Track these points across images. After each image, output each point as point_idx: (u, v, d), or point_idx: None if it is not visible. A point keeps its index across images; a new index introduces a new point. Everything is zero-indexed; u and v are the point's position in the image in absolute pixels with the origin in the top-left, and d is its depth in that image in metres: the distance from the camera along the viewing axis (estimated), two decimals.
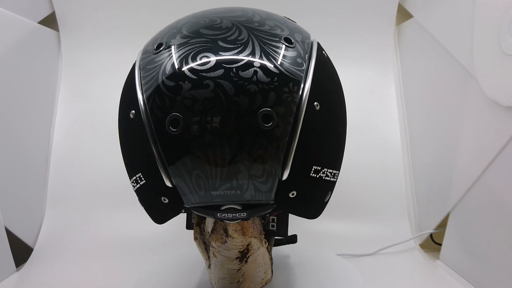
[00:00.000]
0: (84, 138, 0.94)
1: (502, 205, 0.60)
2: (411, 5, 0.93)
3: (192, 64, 0.41)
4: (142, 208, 0.88)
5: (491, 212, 0.63)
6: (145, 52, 0.46)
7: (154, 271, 0.64)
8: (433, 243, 0.84)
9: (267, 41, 0.43)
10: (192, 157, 0.40)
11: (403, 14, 0.98)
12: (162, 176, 0.42)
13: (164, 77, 0.41)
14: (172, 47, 0.43)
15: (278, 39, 0.44)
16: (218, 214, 0.44)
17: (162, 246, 0.81)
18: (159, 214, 0.47)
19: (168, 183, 0.42)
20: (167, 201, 0.44)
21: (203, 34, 0.43)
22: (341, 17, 0.98)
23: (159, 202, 0.44)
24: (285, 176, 0.42)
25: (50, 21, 0.95)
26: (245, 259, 0.53)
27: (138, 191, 0.47)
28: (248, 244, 0.52)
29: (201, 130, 0.39)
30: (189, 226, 0.60)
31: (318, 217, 0.88)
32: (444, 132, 0.78)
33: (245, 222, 0.50)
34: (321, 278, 0.60)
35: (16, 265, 0.75)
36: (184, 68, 0.41)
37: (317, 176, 0.45)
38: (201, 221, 0.56)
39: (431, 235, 0.83)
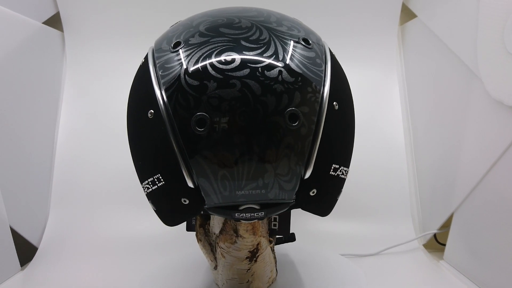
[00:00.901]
0: (88, 137, 0.94)
1: (506, 205, 0.60)
2: (415, 5, 0.93)
3: (216, 63, 0.40)
4: (146, 209, 0.89)
5: (495, 212, 0.63)
6: (159, 51, 0.45)
7: (158, 271, 0.65)
8: (437, 244, 0.84)
9: (287, 42, 0.44)
10: (219, 157, 0.40)
11: (407, 14, 0.97)
12: (184, 177, 0.41)
13: (186, 76, 0.40)
14: (192, 45, 0.42)
15: (297, 39, 0.45)
16: (236, 214, 0.44)
17: (166, 246, 0.81)
18: (176, 216, 0.46)
19: (190, 184, 0.41)
20: (187, 202, 0.43)
21: (224, 33, 0.43)
22: (344, 17, 0.98)
23: (178, 203, 0.43)
24: (307, 175, 0.43)
25: (54, 22, 0.95)
26: (254, 258, 0.53)
27: (153, 193, 0.45)
28: (258, 244, 0.52)
29: (229, 130, 0.39)
30: (189, 228, 0.60)
31: (321, 217, 0.89)
32: (448, 132, 0.78)
33: (257, 221, 0.50)
34: (324, 278, 0.60)
35: (20, 264, 0.76)
36: (208, 67, 0.40)
37: (335, 174, 0.46)
38: (205, 223, 0.56)
39: (434, 235, 0.83)
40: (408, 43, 0.98)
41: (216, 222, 0.54)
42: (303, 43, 0.45)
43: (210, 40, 0.42)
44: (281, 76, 0.41)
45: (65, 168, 0.91)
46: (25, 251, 0.80)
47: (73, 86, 0.97)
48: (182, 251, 0.72)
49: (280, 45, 0.43)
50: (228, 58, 0.40)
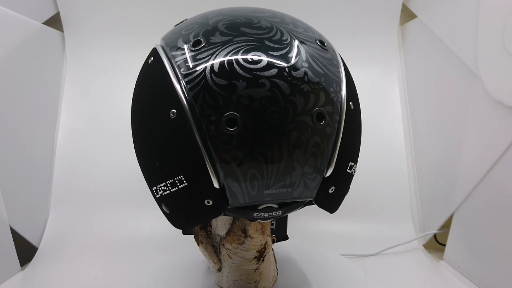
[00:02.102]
0: (88, 137, 0.94)
1: (507, 206, 0.60)
2: (415, 5, 0.93)
3: (243, 63, 0.40)
4: (146, 209, 0.89)
5: (495, 213, 0.63)
6: (175, 49, 0.44)
7: (158, 271, 0.65)
8: (437, 244, 0.84)
9: (307, 43, 0.44)
10: (250, 156, 0.40)
11: (407, 14, 0.98)
12: (211, 178, 0.40)
13: (213, 75, 0.40)
14: (215, 44, 0.42)
15: (314, 40, 0.46)
16: (255, 214, 0.44)
17: (166, 246, 0.81)
18: (192, 219, 0.45)
19: (216, 185, 0.40)
20: (211, 203, 0.42)
21: (246, 32, 0.43)
22: (344, 17, 0.98)
23: (200, 205, 0.42)
24: (329, 173, 0.44)
25: (54, 22, 0.95)
26: (262, 258, 0.53)
27: (171, 195, 0.43)
28: (266, 243, 0.53)
29: (260, 129, 0.39)
30: (185, 231, 0.59)
31: (322, 217, 0.89)
32: (448, 132, 0.78)
33: (266, 221, 0.51)
34: (325, 278, 0.60)
35: (20, 264, 0.76)
36: (236, 66, 0.40)
37: (350, 171, 0.47)
38: (206, 225, 0.56)
39: (435, 236, 0.83)
40: (408, 43, 0.98)
41: (221, 224, 0.53)
42: (320, 44, 0.46)
43: (234, 39, 0.42)
44: (307, 76, 0.42)
45: (65, 168, 0.91)
46: (25, 251, 0.80)
47: (73, 86, 0.97)
48: (182, 251, 0.72)
49: (301, 46, 0.43)
50: (255, 57, 0.40)
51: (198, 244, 0.55)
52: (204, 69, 0.40)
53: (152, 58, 0.46)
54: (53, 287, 0.69)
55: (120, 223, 0.88)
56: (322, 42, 0.46)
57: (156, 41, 0.51)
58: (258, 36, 0.42)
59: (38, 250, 0.81)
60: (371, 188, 0.91)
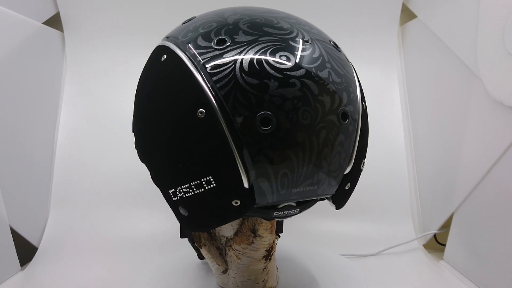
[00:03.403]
0: (88, 138, 0.94)
1: (507, 206, 0.60)
2: (415, 5, 0.93)
3: (273, 62, 0.40)
4: (146, 209, 0.88)
5: (495, 213, 0.63)
6: (195, 47, 0.42)
7: (158, 271, 0.65)
8: (437, 244, 0.84)
9: (325, 44, 0.45)
10: (283, 155, 0.40)
11: (407, 14, 0.98)
12: (241, 178, 0.40)
13: (243, 74, 0.39)
14: (241, 43, 0.41)
15: (329, 42, 0.47)
16: (275, 213, 0.44)
17: (166, 246, 0.81)
18: (214, 220, 0.44)
19: (246, 185, 0.40)
20: (238, 203, 0.41)
21: (270, 32, 0.43)
22: (344, 17, 0.98)
23: (227, 206, 0.41)
24: (348, 170, 0.46)
25: (54, 22, 0.95)
26: (269, 256, 0.54)
27: (195, 197, 0.42)
28: (273, 241, 0.53)
29: (293, 128, 0.40)
30: (183, 234, 0.59)
31: (321, 217, 0.89)
32: (448, 132, 0.78)
33: (274, 220, 0.51)
34: (324, 278, 0.60)
35: (20, 264, 0.76)
36: (266, 66, 0.40)
37: (362, 168, 0.49)
38: None
39: (434, 236, 0.83)
40: (408, 43, 0.98)
41: (228, 225, 0.53)
42: (334, 45, 0.47)
43: (259, 39, 0.42)
44: (331, 77, 0.43)
45: (65, 168, 0.91)
46: (25, 251, 0.80)
47: (73, 86, 0.97)
48: (182, 251, 0.72)
49: (322, 47, 0.44)
50: (283, 57, 0.41)
51: (200, 247, 0.54)
52: (234, 68, 0.40)
53: (165, 56, 0.44)
54: (53, 287, 0.69)
55: (120, 223, 0.88)
56: (335, 44, 0.47)
57: (156, 41, 0.51)
58: (282, 37, 0.43)
59: (38, 250, 0.81)
60: (371, 188, 0.91)
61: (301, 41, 0.43)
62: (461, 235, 0.73)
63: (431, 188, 0.86)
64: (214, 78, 0.40)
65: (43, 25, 0.91)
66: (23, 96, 0.83)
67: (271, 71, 0.40)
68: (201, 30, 0.44)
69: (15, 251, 0.74)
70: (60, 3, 0.95)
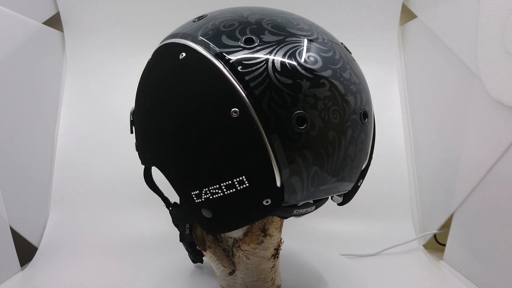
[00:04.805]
0: (88, 138, 0.94)
1: (507, 206, 0.60)
2: (415, 5, 0.93)
3: (303, 63, 0.41)
4: (146, 209, 0.88)
5: (495, 213, 0.63)
6: (223, 46, 0.41)
7: (158, 271, 0.65)
8: (436, 244, 0.84)
9: (339, 45, 0.46)
10: (316, 153, 0.41)
11: (407, 14, 0.98)
12: (275, 177, 0.40)
13: (276, 74, 0.40)
14: (269, 43, 0.41)
15: (341, 44, 0.48)
16: (295, 210, 0.45)
17: (166, 246, 0.81)
18: (243, 221, 0.44)
19: (278, 184, 0.40)
20: (269, 202, 0.41)
21: (295, 33, 0.43)
22: (345, 17, 0.98)
23: (257, 205, 0.41)
24: (363, 167, 0.48)
25: (54, 22, 0.95)
26: (277, 255, 0.54)
27: (225, 198, 0.41)
28: (280, 239, 0.54)
29: (325, 127, 0.41)
30: (182, 238, 0.58)
31: (322, 217, 0.89)
32: (448, 132, 0.78)
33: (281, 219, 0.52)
34: (325, 278, 0.60)
35: (20, 264, 0.76)
36: (297, 66, 0.40)
37: (370, 165, 0.50)
38: None
39: (434, 236, 0.83)
40: (408, 43, 0.98)
41: None
42: (345, 47, 0.48)
43: (286, 40, 0.42)
44: (352, 77, 0.44)
45: (65, 169, 0.91)
46: (25, 251, 0.80)
47: (73, 86, 0.97)
48: (182, 251, 0.72)
49: (339, 48, 0.45)
50: (312, 58, 0.41)
51: (205, 250, 0.54)
52: (266, 68, 0.40)
53: (184, 54, 0.43)
54: (53, 287, 0.69)
55: (120, 223, 0.88)
56: (345, 46, 0.48)
57: (156, 40, 0.51)
58: (307, 38, 0.43)
59: (38, 250, 0.81)
60: (371, 188, 0.91)
61: (322, 42, 0.44)
62: (461, 235, 0.73)
63: (431, 188, 0.86)
64: (246, 78, 0.39)
65: (43, 25, 0.91)
66: (23, 96, 0.83)
67: (303, 71, 0.40)
68: (222, 29, 0.43)
69: (15, 251, 0.74)
70: (60, 3, 0.95)
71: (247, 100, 0.39)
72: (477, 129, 0.68)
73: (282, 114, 0.39)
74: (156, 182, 0.59)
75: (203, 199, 0.43)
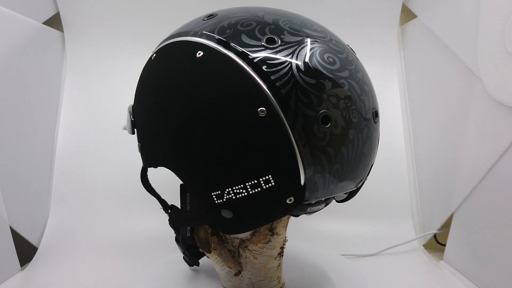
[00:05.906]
0: (88, 137, 0.94)
1: (507, 206, 0.60)
2: (415, 5, 0.93)
3: (323, 63, 0.42)
4: (146, 209, 0.88)
5: (495, 213, 0.63)
6: (244, 45, 0.41)
7: (158, 272, 0.65)
8: (437, 244, 0.84)
9: (348, 47, 0.48)
10: (339, 151, 0.42)
11: (407, 14, 0.98)
12: (300, 175, 0.40)
13: (301, 74, 0.40)
14: (290, 43, 0.42)
15: (347, 45, 0.49)
16: (309, 208, 0.45)
17: (166, 246, 0.81)
18: (264, 220, 0.44)
19: (302, 182, 0.41)
20: (292, 201, 0.41)
21: (311, 34, 0.44)
22: (344, 17, 0.98)
23: (280, 204, 0.42)
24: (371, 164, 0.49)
25: (54, 22, 0.95)
26: (282, 253, 0.55)
27: (249, 197, 0.41)
28: (285, 237, 0.54)
29: (346, 126, 0.42)
30: (183, 241, 0.58)
31: (322, 217, 0.89)
32: (448, 132, 0.78)
33: (289, 217, 0.52)
34: (324, 278, 0.60)
35: (20, 264, 0.76)
36: (319, 66, 0.41)
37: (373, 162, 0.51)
38: (218, 231, 0.54)
39: (435, 236, 0.83)
40: (408, 43, 0.98)
41: None
42: (351, 48, 0.49)
43: (305, 40, 0.43)
44: (364, 78, 0.46)
45: (65, 168, 0.91)
46: (25, 251, 0.80)
47: (73, 86, 0.96)
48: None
49: (348, 49, 0.47)
50: (331, 59, 0.42)
51: (209, 252, 0.53)
52: (290, 67, 0.40)
53: (201, 53, 0.42)
54: (53, 287, 0.69)
55: (121, 223, 0.88)
56: (350, 47, 0.49)
57: (155, 40, 0.51)
58: (322, 39, 0.44)
59: (38, 250, 0.81)
60: (371, 188, 0.91)
61: (335, 43, 0.45)
62: (461, 235, 0.73)
63: (431, 188, 0.86)
64: (272, 77, 0.39)
65: (43, 25, 0.91)
66: (23, 96, 0.83)
67: (324, 72, 0.41)
68: (240, 28, 0.43)
69: (15, 251, 0.74)
70: (60, 3, 0.95)
71: (273, 99, 0.39)
72: (477, 129, 0.68)
73: (308, 113, 0.40)
74: (152, 185, 0.59)
75: (224, 200, 0.42)
